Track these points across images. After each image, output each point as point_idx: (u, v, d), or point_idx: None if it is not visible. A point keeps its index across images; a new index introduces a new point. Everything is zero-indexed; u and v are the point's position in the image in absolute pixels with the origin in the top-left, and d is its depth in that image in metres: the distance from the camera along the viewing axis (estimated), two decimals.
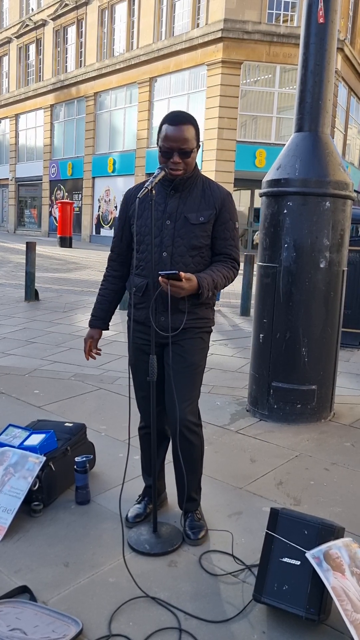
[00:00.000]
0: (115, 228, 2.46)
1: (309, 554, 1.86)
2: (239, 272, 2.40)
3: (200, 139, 2.28)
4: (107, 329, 2.49)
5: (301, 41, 3.71)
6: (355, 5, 21.49)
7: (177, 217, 2.19)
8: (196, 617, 1.89)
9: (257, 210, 19.48)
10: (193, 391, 2.28)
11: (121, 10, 23.35)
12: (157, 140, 2.19)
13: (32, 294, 8.34)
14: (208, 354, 2.46)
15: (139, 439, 2.52)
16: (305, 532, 1.94)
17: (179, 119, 2.12)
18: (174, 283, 2.03)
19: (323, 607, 1.83)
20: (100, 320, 2.45)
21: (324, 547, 1.87)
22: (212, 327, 2.37)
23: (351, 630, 1.71)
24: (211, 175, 17.90)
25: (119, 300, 2.47)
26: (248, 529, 2.44)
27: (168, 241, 2.18)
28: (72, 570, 2.11)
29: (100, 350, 2.49)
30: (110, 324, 2.50)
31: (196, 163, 2.29)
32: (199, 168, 2.30)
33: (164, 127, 2.13)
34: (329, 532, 1.93)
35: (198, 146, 2.22)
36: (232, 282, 2.28)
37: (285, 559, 1.92)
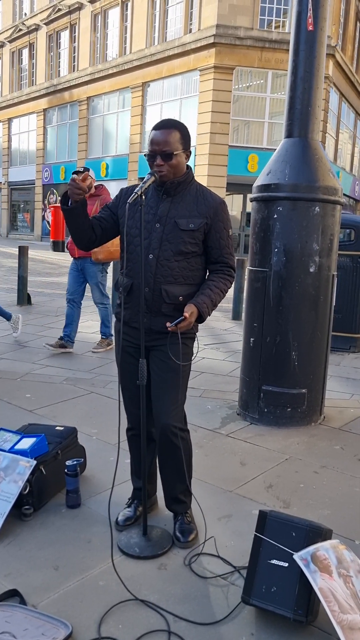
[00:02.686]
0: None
1: (296, 556, 1.87)
2: None
3: (193, 144, 2.28)
4: (76, 209, 2.20)
5: (290, 48, 3.75)
6: (346, 11, 21.68)
7: (167, 221, 2.20)
8: (185, 620, 1.90)
9: (249, 215, 19.53)
10: (177, 396, 2.28)
11: (114, 15, 23.44)
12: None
13: (24, 298, 8.33)
14: (199, 358, 2.47)
15: (127, 441, 2.54)
16: (293, 534, 1.96)
17: (163, 124, 2.18)
18: (182, 324, 2.12)
19: (311, 608, 1.85)
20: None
21: (311, 548, 1.88)
22: (196, 334, 2.39)
23: (338, 631, 1.72)
24: (203, 180, 17.95)
25: (88, 227, 2.27)
26: (237, 531, 2.45)
27: (156, 244, 2.20)
28: (62, 574, 2.12)
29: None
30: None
31: (190, 169, 2.30)
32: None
33: (151, 132, 2.18)
34: (317, 534, 1.95)
35: (186, 151, 2.22)
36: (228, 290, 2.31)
37: (274, 561, 1.94)
